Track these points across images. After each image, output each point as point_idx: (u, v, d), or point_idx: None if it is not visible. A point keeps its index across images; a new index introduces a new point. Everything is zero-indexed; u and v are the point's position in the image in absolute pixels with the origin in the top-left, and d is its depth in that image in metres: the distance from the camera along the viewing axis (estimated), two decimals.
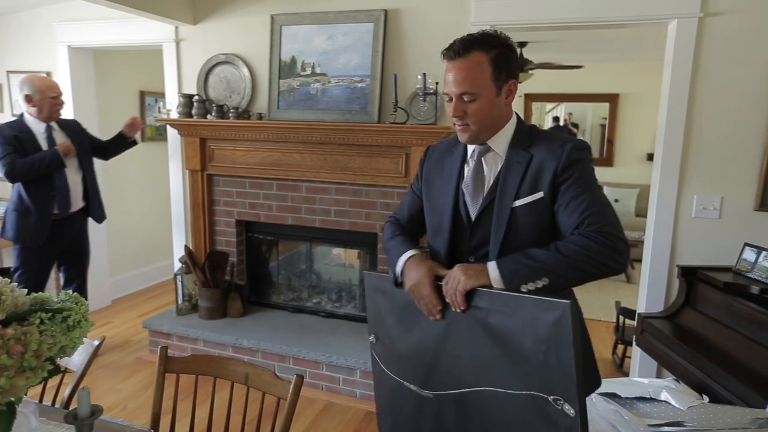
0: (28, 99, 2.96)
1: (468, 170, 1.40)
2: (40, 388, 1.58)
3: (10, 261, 4.01)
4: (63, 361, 1.55)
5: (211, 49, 3.42)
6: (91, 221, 3.26)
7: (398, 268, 1.39)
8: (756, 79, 2.46)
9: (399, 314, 1.41)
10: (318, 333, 3.25)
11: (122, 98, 4.48)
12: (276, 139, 3.23)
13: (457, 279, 1.25)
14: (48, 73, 3.87)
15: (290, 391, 1.43)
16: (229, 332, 3.26)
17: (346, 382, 3.00)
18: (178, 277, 3.51)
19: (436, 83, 2.84)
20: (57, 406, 1.54)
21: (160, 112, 3.50)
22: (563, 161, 1.27)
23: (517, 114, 1.40)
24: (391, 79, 2.92)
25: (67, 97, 3.14)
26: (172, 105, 3.54)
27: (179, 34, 3.51)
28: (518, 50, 4.79)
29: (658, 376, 2.75)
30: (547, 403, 1.15)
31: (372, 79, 3.00)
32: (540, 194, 1.29)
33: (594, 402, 1.93)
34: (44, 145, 2.98)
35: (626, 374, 3.22)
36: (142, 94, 4.64)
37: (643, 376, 2.74)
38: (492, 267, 1.24)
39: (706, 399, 1.98)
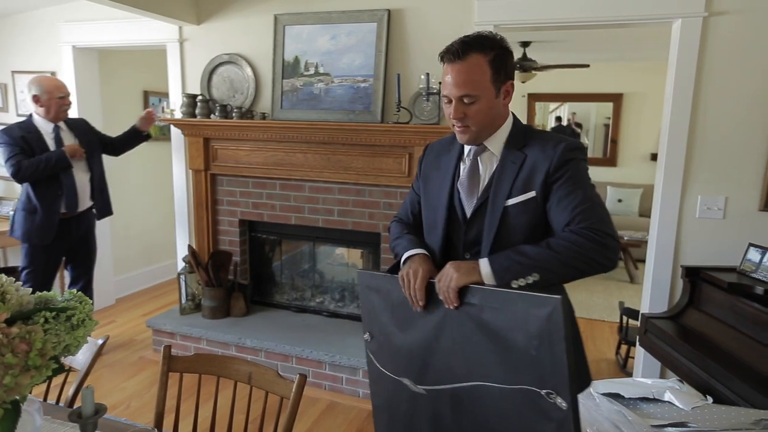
0: (36, 99, 2.98)
1: (464, 169, 1.42)
2: (44, 386, 1.58)
3: (16, 260, 4.03)
4: (67, 360, 1.56)
5: (215, 49, 3.43)
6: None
7: (402, 261, 1.41)
8: (761, 78, 2.45)
9: (393, 312, 1.42)
10: (321, 332, 3.25)
11: (126, 98, 4.50)
12: (279, 139, 3.23)
13: (449, 276, 1.26)
14: (53, 73, 3.89)
15: (293, 390, 1.43)
16: (232, 332, 3.26)
17: (349, 382, 3.00)
18: (182, 277, 3.52)
19: (439, 83, 2.81)
20: (61, 404, 1.54)
21: (163, 111, 3.51)
22: (555, 161, 1.28)
23: (513, 114, 1.41)
24: (395, 79, 2.92)
25: (71, 97, 3.16)
26: (175, 105, 3.55)
27: (183, 34, 3.51)
28: (522, 50, 4.79)
29: (662, 376, 2.75)
30: (540, 397, 1.16)
31: (375, 79, 3.00)
32: (532, 193, 1.30)
33: (597, 402, 1.92)
34: (52, 146, 3.00)
35: (630, 375, 3.21)
36: (146, 94, 4.65)
37: (646, 377, 2.73)
38: (484, 263, 1.25)
39: (710, 400, 1.97)
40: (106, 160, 3.34)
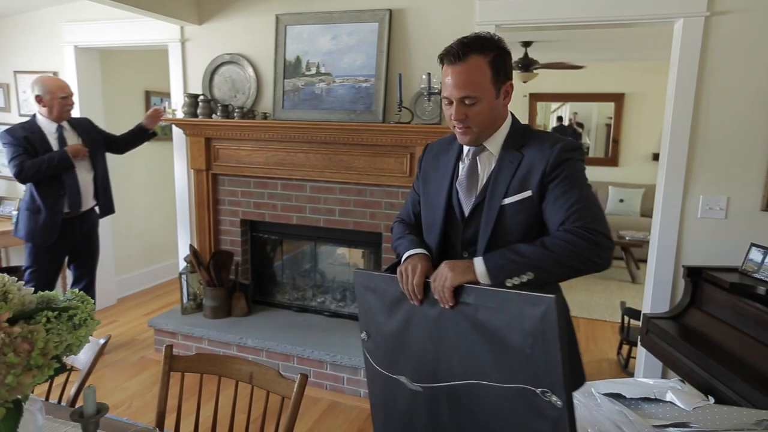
0: (39, 99, 2.98)
1: (462, 168, 1.43)
2: (46, 386, 1.59)
3: (19, 259, 4.04)
4: (69, 360, 1.56)
5: (216, 49, 3.43)
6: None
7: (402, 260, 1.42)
8: (763, 78, 2.45)
9: (389, 311, 1.43)
10: (322, 332, 3.26)
11: (128, 98, 4.51)
12: (281, 139, 3.24)
13: (444, 276, 1.26)
14: (55, 73, 3.89)
15: (294, 390, 1.43)
16: (234, 331, 3.27)
17: (351, 382, 3.00)
18: (183, 277, 3.53)
19: (440, 83, 2.84)
20: (63, 404, 1.54)
21: (165, 111, 3.51)
22: (552, 161, 1.29)
23: (512, 114, 1.42)
24: (396, 78, 2.92)
25: (73, 97, 3.16)
26: (177, 105, 3.55)
27: (185, 34, 3.52)
28: (524, 50, 4.78)
29: (664, 376, 2.74)
30: (535, 396, 1.17)
31: (376, 79, 3.00)
32: (528, 193, 1.31)
33: (599, 402, 1.92)
34: (55, 146, 3.01)
35: (631, 375, 3.21)
36: (148, 94, 4.66)
37: (648, 377, 2.73)
38: (478, 262, 1.26)
39: (712, 400, 1.97)
40: (109, 159, 3.35)
